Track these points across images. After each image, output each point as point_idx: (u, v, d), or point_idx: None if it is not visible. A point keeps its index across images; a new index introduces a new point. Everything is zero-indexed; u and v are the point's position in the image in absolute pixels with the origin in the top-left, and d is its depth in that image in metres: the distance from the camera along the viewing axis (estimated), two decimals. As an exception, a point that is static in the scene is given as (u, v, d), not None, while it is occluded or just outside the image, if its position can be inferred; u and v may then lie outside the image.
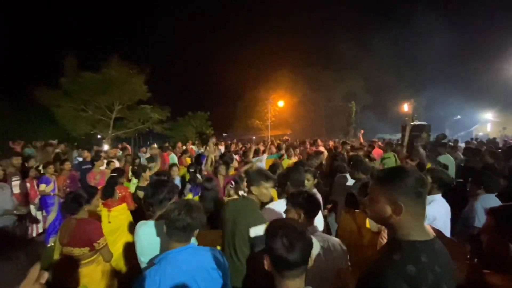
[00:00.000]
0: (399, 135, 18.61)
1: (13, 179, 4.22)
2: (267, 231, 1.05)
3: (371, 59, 27.12)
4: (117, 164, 6.10)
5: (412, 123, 7.10)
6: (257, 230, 1.79)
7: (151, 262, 1.72)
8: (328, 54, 29.23)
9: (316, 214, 1.70)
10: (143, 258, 1.86)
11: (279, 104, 27.38)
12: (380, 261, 1.05)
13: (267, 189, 2.03)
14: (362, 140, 8.00)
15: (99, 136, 19.52)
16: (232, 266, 1.79)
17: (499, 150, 6.70)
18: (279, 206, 2.15)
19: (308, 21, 31.46)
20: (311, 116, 27.71)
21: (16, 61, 23.53)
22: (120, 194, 3.42)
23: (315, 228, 1.70)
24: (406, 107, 7.97)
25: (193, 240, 1.56)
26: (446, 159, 4.59)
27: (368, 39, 27.43)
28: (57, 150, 7.18)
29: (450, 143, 9.70)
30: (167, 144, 10.33)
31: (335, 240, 1.70)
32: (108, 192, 3.13)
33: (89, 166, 5.77)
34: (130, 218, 3.44)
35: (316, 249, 1.46)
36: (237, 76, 29.86)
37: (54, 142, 8.08)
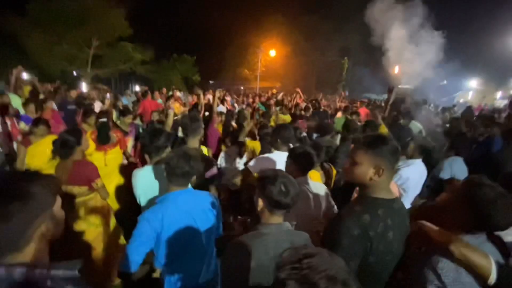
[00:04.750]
0: (385, 96, 18.89)
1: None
2: (264, 178, 1.21)
3: (369, 15, 25.48)
4: (97, 106, 5.93)
5: (399, 86, 7.20)
6: None
7: (152, 202, 1.89)
8: (327, 2, 26.95)
9: (310, 168, 1.94)
10: (143, 199, 2.03)
11: (271, 53, 26.15)
12: (344, 210, 1.32)
13: None
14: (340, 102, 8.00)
15: (75, 74, 18.18)
16: None
17: (474, 118, 7.11)
18: (275, 157, 2.35)
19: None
20: (302, 69, 26.91)
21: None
22: (116, 137, 3.39)
23: (307, 179, 1.93)
24: (397, 69, 7.93)
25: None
26: (413, 125, 4.95)
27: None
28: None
29: (431, 108, 10.14)
30: (146, 88, 9.40)
31: (320, 185, 2.07)
32: (104, 138, 3.09)
33: (74, 107, 5.58)
34: (122, 160, 3.53)
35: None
36: (227, 19, 27.36)
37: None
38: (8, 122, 4.67)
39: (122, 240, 2.71)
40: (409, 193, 2.45)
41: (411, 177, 2.39)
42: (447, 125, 5.81)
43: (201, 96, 4.71)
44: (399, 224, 1.27)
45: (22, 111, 5.08)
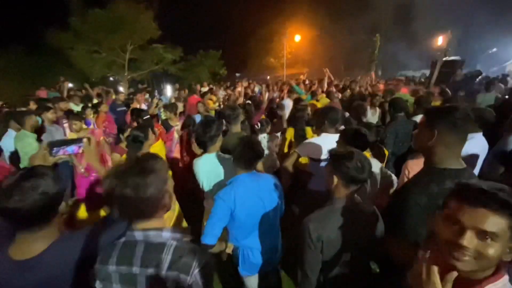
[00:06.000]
0: (423, 72, 17.37)
1: (63, 122, 4.63)
2: (340, 155, 1.30)
3: None
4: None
5: (444, 59, 6.65)
6: None
7: (217, 186, 2.09)
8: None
9: (363, 149, 1.95)
10: (206, 184, 2.23)
11: (296, 39, 25.47)
12: (411, 181, 1.34)
13: None
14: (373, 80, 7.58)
15: (111, 79, 19.56)
16: None
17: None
18: (320, 141, 2.40)
19: None
20: (330, 52, 25.78)
21: (21, 3, 21.79)
22: (158, 131, 3.80)
23: None
24: (440, 40, 7.28)
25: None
26: (489, 97, 4.48)
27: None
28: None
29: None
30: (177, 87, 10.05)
31: (374, 161, 2.12)
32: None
33: (124, 108, 6.09)
34: (165, 151, 3.89)
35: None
36: (250, 9, 27.17)
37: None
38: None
39: (185, 223, 3.00)
40: (468, 169, 2.35)
41: (470, 152, 2.29)
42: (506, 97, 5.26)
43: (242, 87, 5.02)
44: None
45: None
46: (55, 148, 1.25)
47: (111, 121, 5.93)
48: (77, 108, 5.87)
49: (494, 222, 0.71)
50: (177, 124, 4.62)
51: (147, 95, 8.19)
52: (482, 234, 0.73)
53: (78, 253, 1.12)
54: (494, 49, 28.04)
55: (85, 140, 1.33)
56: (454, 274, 0.74)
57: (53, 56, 17.77)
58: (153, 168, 0.95)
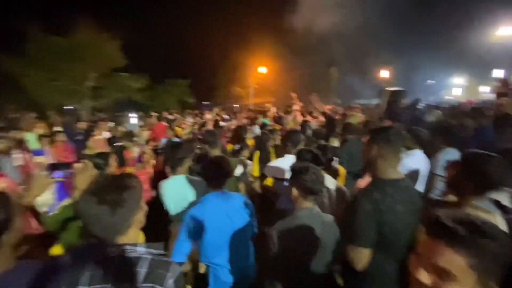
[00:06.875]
0: (374, 100, 19.47)
1: (14, 152, 4.27)
2: (297, 169, 1.47)
3: (353, 24, 26.88)
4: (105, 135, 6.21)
5: (389, 89, 7.58)
6: None
7: (186, 208, 2.11)
8: (307, 17, 28.28)
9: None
10: (172, 207, 2.23)
11: (261, 70, 27.07)
12: (359, 191, 1.58)
13: None
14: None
15: (70, 107, 18.48)
16: None
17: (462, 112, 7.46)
18: (283, 162, 2.59)
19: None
20: (294, 83, 27.65)
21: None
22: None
23: None
24: (385, 73, 8.36)
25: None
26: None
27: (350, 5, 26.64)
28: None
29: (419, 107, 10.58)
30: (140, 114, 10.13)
31: (329, 178, 2.27)
32: (123, 160, 3.36)
33: (81, 137, 5.85)
34: None
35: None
36: (217, 40, 28.54)
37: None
38: (25, 157, 4.88)
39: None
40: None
41: (411, 167, 2.61)
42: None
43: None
44: (407, 198, 1.49)
45: (37, 146, 5.31)
46: (55, 171, 1.30)
47: (69, 150, 5.59)
48: (32, 136, 5.47)
49: (448, 258, 0.63)
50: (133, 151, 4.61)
51: (110, 123, 7.90)
52: (438, 271, 0.65)
53: (30, 283, 1.08)
54: (433, 81, 32.79)
55: (79, 165, 1.34)
56: None
57: (5, 83, 16.42)
58: (129, 184, 1.01)
